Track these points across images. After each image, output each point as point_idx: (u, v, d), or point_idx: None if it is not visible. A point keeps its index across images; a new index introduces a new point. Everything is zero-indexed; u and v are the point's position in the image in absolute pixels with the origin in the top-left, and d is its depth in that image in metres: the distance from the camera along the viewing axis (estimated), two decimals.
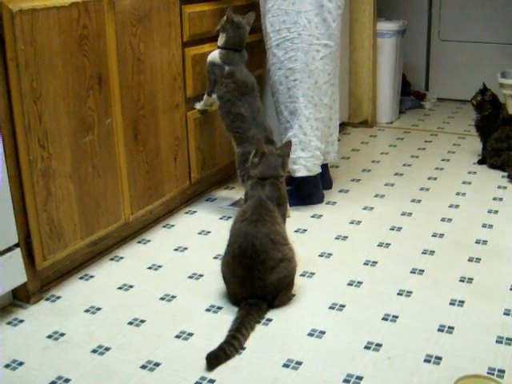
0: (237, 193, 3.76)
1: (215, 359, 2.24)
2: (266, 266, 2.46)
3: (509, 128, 4.05)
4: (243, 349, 2.32)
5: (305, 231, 3.23)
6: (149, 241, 3.19)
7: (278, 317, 2.53)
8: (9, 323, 2.51)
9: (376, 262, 2.92)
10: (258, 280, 2.48)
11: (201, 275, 2.85)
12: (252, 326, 2.42)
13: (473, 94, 4.22)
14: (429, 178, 3.99)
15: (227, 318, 2.52)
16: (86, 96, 2.71)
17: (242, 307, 2.48)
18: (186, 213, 3.51)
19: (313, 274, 2.84)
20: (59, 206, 2.65)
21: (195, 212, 3.52)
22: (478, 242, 3.14)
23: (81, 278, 2.84)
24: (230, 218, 3.45)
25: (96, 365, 2.26)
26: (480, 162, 4.23)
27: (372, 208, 3.53)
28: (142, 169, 3.09)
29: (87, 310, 2.59)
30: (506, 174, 4.00)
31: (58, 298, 2.68)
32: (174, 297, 2.68)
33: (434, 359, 2.26)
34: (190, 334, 2.42)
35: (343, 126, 5.00)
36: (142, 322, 2.51)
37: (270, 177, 2.64)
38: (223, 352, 2.26)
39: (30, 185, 2.51)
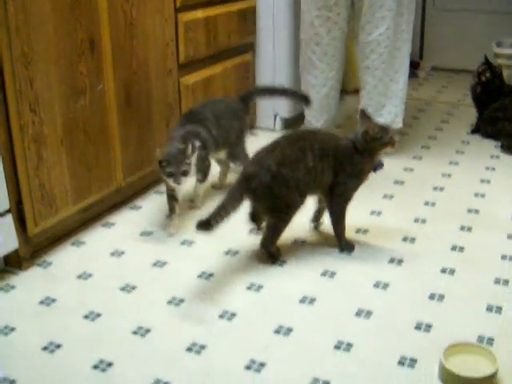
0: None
1: (205, 225, 2.44)
2: None
3: (508, 99, 4.04)
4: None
5: None
6: (140, 207, 3.18)
7: (269, 283, 2.53)
8: (0, 289, 2.51)
9: (367, 231, 2.92)
10: None
11: (193, 241, 2.85)
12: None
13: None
14: (422, 147, 3.99)
15: (219, 283, 2.53)
16: (77, 61, 2.69)
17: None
18: None
19: (304, 241, 2.85)
20: (51, 172, 2.64)
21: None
22: (469, 211, 3.14)
23: (72, 244, 2.84)
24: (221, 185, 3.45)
25: (87, 330, 2.26)
26: (473, 132, 4.23)
27: None
28: (134, 134, 3.08)
29: (79, 276, 2.59)
30: (499, 143, 3.99)
31: (50, 264, 2.68)
32: (165, 263, 2.68)
33: (424, 327, 2.28)
34: (182, 300, 2.43)
35: None
36: (134, 288, 2.51)
37: None
38: (212, 220, 2.45)
39: (21, 150, 2.49)
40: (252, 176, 2.58)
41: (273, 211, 2.63)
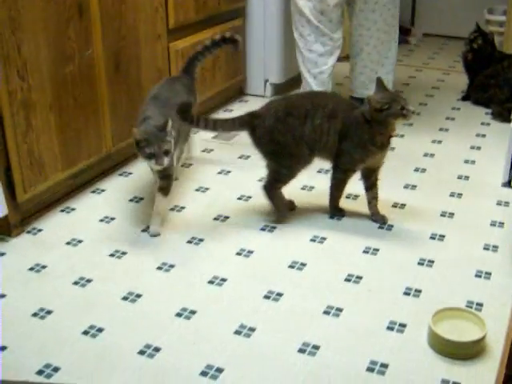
0: None
1: (184, 111, 2.48)
2: None
3: (500, 66, 4.02)
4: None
5: None
6: (130, 173, 3.18)
7: (258, 249, 2.54)
8: None
9: (357, 196, 2.93)
10: None
11: (182, 207, 2.84)
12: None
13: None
14: (412, 113, 3.97)
15: (209, 249, 2.53)
16: (65, 26, 2.66)
17: None
18: None
19: (294, 208, 2.85)
20: (39, 138, 2.62)
21: None
22: (459, 177, 3.15)
23: (62, 210, 2.83)
24: (212, 150, 3.45)
25: (77, 296, 2.27)
26: (464, 99, 4.22)
27: None
28: (123, 100, 3.06)
29: (68, 243, 2.59)
30: (489, 110, 3.99)
31: (40, 230, 2.68)
32: None
33: (413, 292, 2.29)
34: (172, 266, 2.43)
35: None
36: (124, 253, 2.51)
37: None
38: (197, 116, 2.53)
39: (9, 116, 2.47)
40: (257, 116, 2.61)
41: (274, 157, 2.64)
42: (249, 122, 2.61)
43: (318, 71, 3.69)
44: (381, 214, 2.75)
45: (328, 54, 3.68)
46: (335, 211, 2.79)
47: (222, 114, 3.92)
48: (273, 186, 2.69)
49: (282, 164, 2.64)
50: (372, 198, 2.72)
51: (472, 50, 4.11)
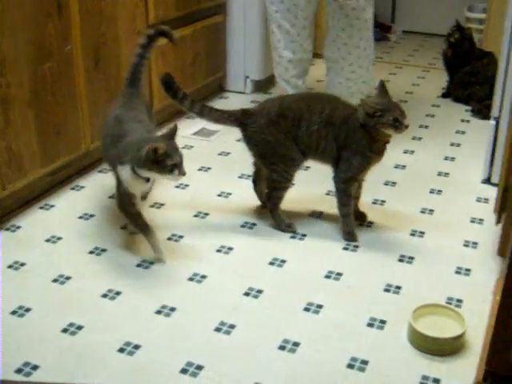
0: (199, 122, 3.72)
1: (168, 82, 2.49)
2: None
3: (480, 63, 4.04)
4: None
5: None
6: (110, 170, 3.16)
7: (239, 246, 2.53)
8: None
9: None
10: None
11: (162, 204, 2.84)
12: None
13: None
14: (405, 128, 3.97)
15: (189, 246, 2.53)
16: (45, 22, 2.64)
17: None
18: None
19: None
20: (18, 135, 2.60)
21: None
22: (439, 174, 3.16)
23: (41, 207, 2.81)
24: (192, 147, 3.44)
25: (57, 294, 2.25)
26: (444, 96, 4.24)
27: None
28: (102, 97, 3.05)
29: (48, 240, 2.57)
30: (469, 107, 4.00)
31: (19, 227, 2.66)
32: None
33: (393, 289, 2.29)
34: (151, 263, 2.42)
35: None
36: (103, 251, 2.50)
37: None
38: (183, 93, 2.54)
39: None
40: (250, 114, 2.56)
41: (263, 158, 2.59)
42: (240, 119, 2.56)
43: (290, 76, 3.65)
44: (361, 211, 2.73)
45: (298, 62, 3.61)
46: (349, 237, 2.60)
47: None
48: (273, 197, 2.62)
49: (272, 168, 2.57)
50: (354, 197, 2.65)
51: (450, 46, 4.12)
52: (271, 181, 2.60)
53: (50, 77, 2.71)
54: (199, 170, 3.18)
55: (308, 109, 2.51)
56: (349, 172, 2.51)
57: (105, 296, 2.24)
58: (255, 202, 2.79)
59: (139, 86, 2.70)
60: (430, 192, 2.98)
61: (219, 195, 2.92)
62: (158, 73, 3.41)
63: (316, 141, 2.51)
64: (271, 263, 2.43)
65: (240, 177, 3.01)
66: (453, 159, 3.32)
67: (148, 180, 2.34)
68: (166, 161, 2.20)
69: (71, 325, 2.09)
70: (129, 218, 2.45)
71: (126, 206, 2.40)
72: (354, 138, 2.47)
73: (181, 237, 2.59)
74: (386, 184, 3.04)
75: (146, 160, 2.20)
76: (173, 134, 2.30)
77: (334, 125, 2.49)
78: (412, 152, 3.40)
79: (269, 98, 2.70)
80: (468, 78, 4.04)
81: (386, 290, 2.29)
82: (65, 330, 2.07)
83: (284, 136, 2.51)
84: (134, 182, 2.32)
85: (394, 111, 2.40)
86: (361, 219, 2.71)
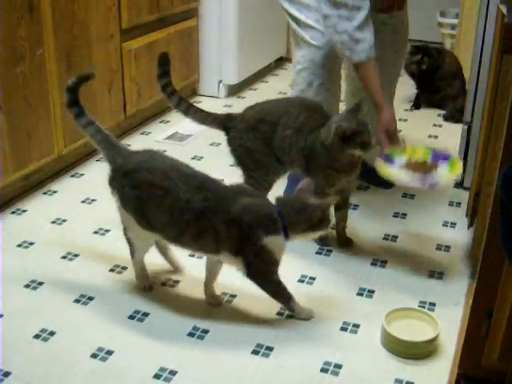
0: (172, 126, 3.72)
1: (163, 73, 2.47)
2: None
3: (444, 64, 4.02)
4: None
5: None
6: (82, 174, 3.14)
7: None
8: None
9: None
10: None
11: None
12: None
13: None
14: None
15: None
16: (16, 25, 2.62)
17: None
18: None
19: None
20: None
21: (130, 145, 3.47)
22: None
23: (13, 212, 2.79)
24: (164, 151, 3.42)
25: (29, 300, 2.24)
26: (416, 107, 4.18)
27: None
28: None
29: (19, 245, 2.55)
30: (442, 112, 4.02)
31: None
32: (107, 231, 2.65)
33: (366, 292, 2.30)
34: (124, 268, 2.41)
35: (281, 61, 4.99)
36: (76, 256, 2.48)
37: None
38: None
39: None
40: (233, 118, 2.52)
41: (242, 164, 2.52)
42: (223, 122, 2.51)
43: None
44: (348, 237, 2.60)
45: None
46: (323, 242, 2.57)
47: (174, 115, 3.89)
48: None
49: (249, 174, 2.51)
50: (340, 220, 2.56)
51: (421, 71, 4.06)
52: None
53: (22, 80, 2.69)
54: None
55: (286, 113, 2.43)
56: (317, 187, 2.32)
57: (77, 301, 2.22)
58: None
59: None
60: (403, 196, 2.99)
61: None
62: (131, 77, 3.41)
63: (288, 147, 2.43)
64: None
65: None
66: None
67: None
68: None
69: (43, 331, 2.08)
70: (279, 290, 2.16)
71: (275, 276, 2.14)
72: (314, 152, 2.38)
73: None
74: (359, 188, 3.04)
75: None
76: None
77: (302, 133, 2.40)
78: None
79: (258, 102, 2.59)
80: (439, 82, 4.05)
81: (360, 294, 2.29)
82: (37, 336, 2.05)
83: (262, 142, 2.46)
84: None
85: (364, 133, 2.28)
86: (347, 245, 2.60)
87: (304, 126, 2.41)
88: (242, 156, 2.51)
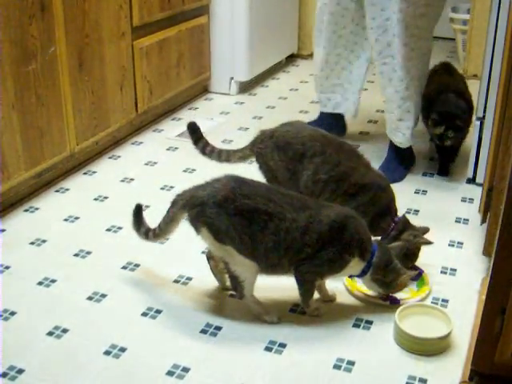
0: (183, 123, 3.71)
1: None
2: None
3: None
4: None
5: None
6: (95, 172, 3.15)
7: None
8: None
9: None
10: None
11: (147, 206, 2.82)
12: None
13: None
14: (377, 111, 3.99)
15: (174, 247, 2.52)
16: (28, 23, 2.63)
17: None
18: (133, 144, 3.47)
19: None
20: (2, 137, 2.59)
21: (142, 143, 3.49)
22: (424, 174, 3.17)
23: (26, 210, 2.80)
24: (176, 148, 3.43)
25: (42, 297, 2.24)
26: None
27: None
28: (87, 99, 3.04)
29: (32, 243, 2.56)
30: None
31: (3, 230, 2.64)
32: (120, 228, 2.66)
33: None
34: (137, 265, 2.41)
35: (292, 58, 4.98)
36: (88, 253, 2.49)
37: None
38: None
39: None
40: (264, 133, 2.45)
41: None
42: (254, 141, 2.46)
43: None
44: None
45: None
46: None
47: (186, 112, 3.90)
48: None
49: None
50: None
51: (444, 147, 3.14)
52: None
53: (34, 78, 2.70)
54: (184, 171, 3.17)
55: (322, 153, 2.33)
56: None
57: (90, 299, 2.23)
58: None
59: None
60: (415, 192, 2.99)
61: None
62: (142, 74, 3.42)
63: (320, 191, 2.34)
64: None
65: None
66: (437, 159, 3.32)
67: None
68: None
69: (56, 328, 2.08)
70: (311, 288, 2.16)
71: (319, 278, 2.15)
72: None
73: (167, 239, 2.58)
74: None
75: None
76: None
77: (342, 187, 2.33)
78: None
79: (295, 122, 2.53)
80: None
81: None
82: (50, 334, 2.06)
83: (285, 165, 2.37)
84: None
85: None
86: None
87: (344, 181, 2.33)
88: (264, 175, 2.45)
